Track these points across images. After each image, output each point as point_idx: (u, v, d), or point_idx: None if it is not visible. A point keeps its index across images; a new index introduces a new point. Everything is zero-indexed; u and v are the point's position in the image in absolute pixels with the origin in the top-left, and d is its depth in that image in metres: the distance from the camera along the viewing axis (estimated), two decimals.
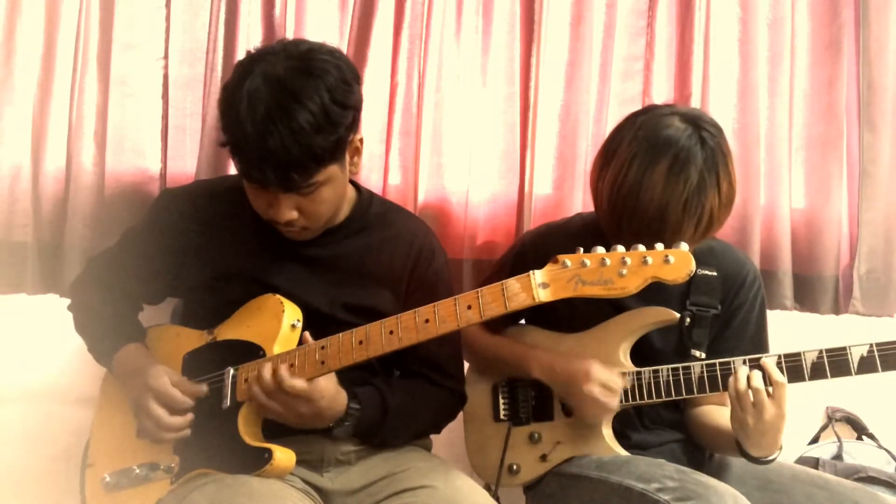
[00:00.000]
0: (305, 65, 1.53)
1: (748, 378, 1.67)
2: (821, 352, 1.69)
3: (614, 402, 1.77)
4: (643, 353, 1.84)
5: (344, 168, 1.63)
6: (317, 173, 1.54)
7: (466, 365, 1.96)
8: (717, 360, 1.76)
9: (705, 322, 1.86)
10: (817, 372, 1.69)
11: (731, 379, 1.70)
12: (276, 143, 1.47)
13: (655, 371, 1.80)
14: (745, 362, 1.72)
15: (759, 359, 1.71)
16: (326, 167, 1.55)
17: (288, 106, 1.48)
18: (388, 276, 1.77)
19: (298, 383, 1.53)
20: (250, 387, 1.56)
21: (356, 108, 1.59)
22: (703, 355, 1.84)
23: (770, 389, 1.65)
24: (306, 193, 1.57)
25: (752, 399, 1.65)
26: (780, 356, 1.72)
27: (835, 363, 1.68)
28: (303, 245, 1.72)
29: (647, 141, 1.69)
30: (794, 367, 1.70)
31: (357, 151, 1.66)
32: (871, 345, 1.67)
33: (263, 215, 1.63)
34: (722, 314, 1.88)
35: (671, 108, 1.76)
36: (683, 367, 1.78)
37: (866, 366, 1.66)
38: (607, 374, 1.77)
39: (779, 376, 1.67)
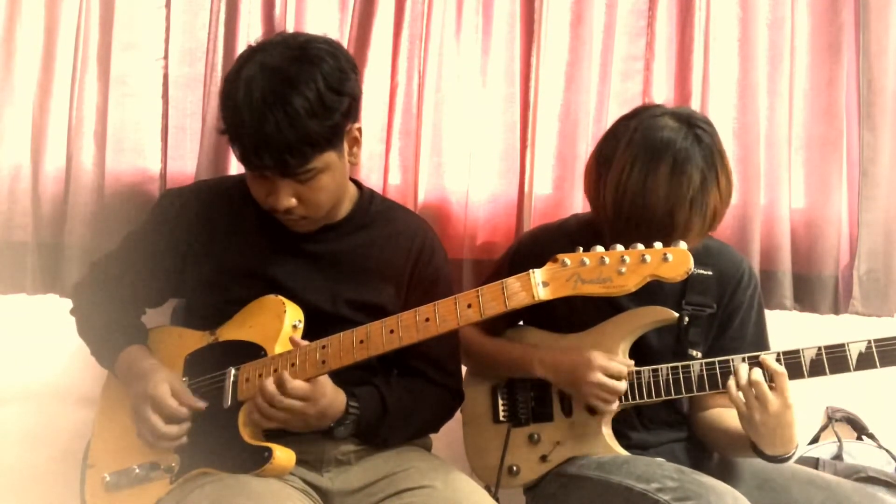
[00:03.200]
0: (301, 53, 1.56)
1: (748, 374, 1.67)
2: (819, 349, 1.69)
3: (621, 386, 1.77)
4: (641, 353, 1.84)
5: (342, 157, 1.64)
6: (313, 158, 1.56)
7: (464, 368, 1.96)
8: (716, 359, 1.76)
9: (701, 322, 1.86)
10: (816, 369, 1.69)
11: (731, 378, 1.70)
12: (272, 127, 1.50)
13: (655, 370, 1.80)
14: (743, 359, 1.73)
15: (757, 356, 1.72)
16: (323, 153, 1.57)
17: (283, 91, 1.51)
18: (389, 273, 1.77)
19: (300, 384, 1.53)
20: (254, 399, 1.57)
21: (352, 96, 1.60)
22: (700, 355, 1.85)
23: (772, 384, 1.65)
24: (304, 180, 1.58)
25: (754, 393, 1.65)
26: (778, 353, 1.72)
27: (833, 360, 1.68)
28: (305, 241, 1.73)
29: (643, 145, 1.69)
30: (792, 365, 1.70)
31: (356, 142, 1.68)
32: (870, 341, 1.67)
33: (263, 204, 1.64)
34: (719, 314, 1.88)
35: (661, 108, 1.77)
36: (683, 366, 1.78)
37: (865, 362, 1.67)
38: (609, 361, 1.77)
39: (777, 367, 1.67)
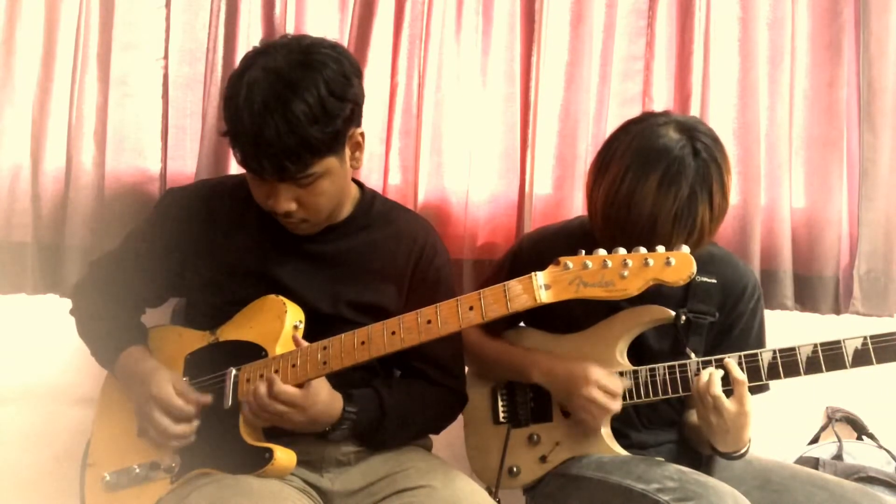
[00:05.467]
0: (305, 58, 1.55)
1: (709, 379, 1.69)
2: (815, 346, 1.70)
3: (614, 405, 1.77)
4: (639, 356, 1.84)
5: (343, 161, 1.63)
6: (312, 164, 1.55)
7: (466, 368, 1.96)
8: (712, 357, 1.76)
9: (702, 329, 1.86)
10: (812, 366, 1.70)
11: (695, 379, 1.73)
12: (272, 132, 1.49)
13: (652, 370, 1.80)
14: (739, 359, 1.74)
15: (755, 355, 1.73)
16: (323, 159, 1.56)
17: (285, 96, 1.50)
18: (390, 273, 1.77)
19: (290, 389, 1.54)
20: (246, 398, 1.57)
21: (355, 102, 1.60)
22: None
23: (731, 388, 1.69)
24: (304, 184, 1.58)
25: (712, 402, 1.68)
26: (774, 351, 1.73)
27: (829, 357, 1.69)
28: (306, 241, 1.72)
29: (640, 151, 1.67)
30: (789, 362, 1.71)
31: (358, 146, 1.67)
32: (865, 337, 1.68)
33: (264, 206, 1.64)
34: (720, 322, 1.88)
35: (667, 116, 1.75)
36: (680, 365, 1.79)
37: (861, 358, 1.67)
38: (607, 377, 1.77)
39: (739, 374, 1.69)
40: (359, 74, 1.62)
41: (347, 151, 1.63)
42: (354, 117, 1.61)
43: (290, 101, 1.50)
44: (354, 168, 1.69)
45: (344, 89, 1.56)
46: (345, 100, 1.56)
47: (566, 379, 1.80)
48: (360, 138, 1.66)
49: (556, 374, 1.84)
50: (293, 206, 1.60)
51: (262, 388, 1.54)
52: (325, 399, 1.59)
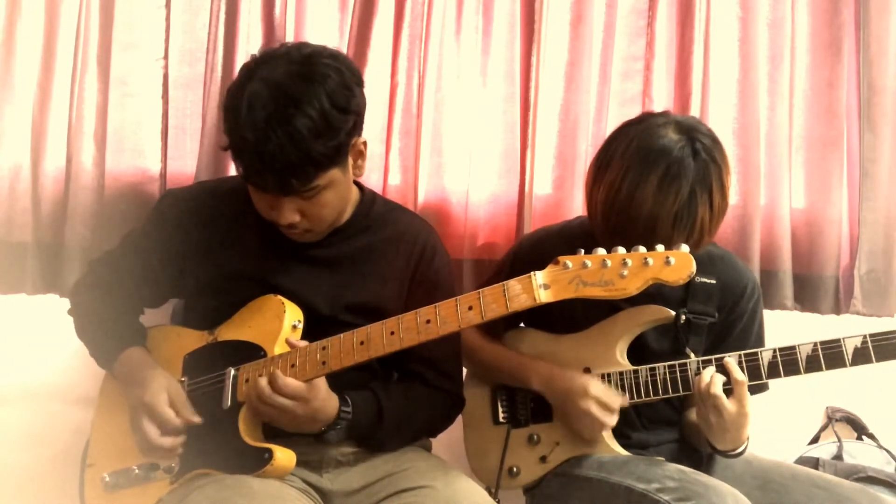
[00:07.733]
0: (306, 70, 1.53)
1: (710, 380, 1.70)
2: (815, 344, 1.71)
3: (611, 420, 1.77)
4: (640, 356, 1.84)
5: (346, 171, 1.62)
6: (316, 178, 1.54)
7: (465, 371, 1.96)
8: (712, 357, 1.77)
9: (702, 330, 1.86)
10: (812, 365, 1.70)
11: (696, 379, 1.73)
12: (275, 148, 1.48)
13: (652, 370, 1.80)
14: (739, 358, 1.74)
15: (755, 354, 1.74)
16: (326, 171, 1.56)
17: (287, 111, 1.48)
18: (390, 276, 1.77)
19: (293, 382, 1.53)
20: (248, 392, 1.57)
21: (357, 113, 1.59)
22: None
23: (731, 388, 1.70)
24: (308, 197, 1.57)
25: (712, 402, 1.69)
26: (774, 350, 1.73)
27: (829, 355, 1.69)
28: (306, 245, 1.72)
29: (640, 152, 1.68)
30: (789, 361, 1.72)
31: (360, 154, 1.66)
32: (865, 336, 1.68)
33: (266, 217, 1.64)
34: (719, 323, 1.88)
35: (666, 116, 1.75)
36: (680, 365, 1.79)
37: (860, 357, 1.68)
38: (606, 393, 1.77)
39: (739, 375, 1.70)
40: (360, 83, 1.61)
41: (350, 161, 1.63)
42: (357, 127, 1.60)
43: (293, 116, 1.48)
44: (357, 176, 1.68)
45: (346, 101, 1.54)
46: (347, 111, 1.55)
47: (564, 390, 1.80)
48: (362, 147, 1.65)
49: (554, 384, 1.84)
50: (297, 218, 1.60)
51: (264, 382, 1.53)
52: (325, 395, 1.59)
